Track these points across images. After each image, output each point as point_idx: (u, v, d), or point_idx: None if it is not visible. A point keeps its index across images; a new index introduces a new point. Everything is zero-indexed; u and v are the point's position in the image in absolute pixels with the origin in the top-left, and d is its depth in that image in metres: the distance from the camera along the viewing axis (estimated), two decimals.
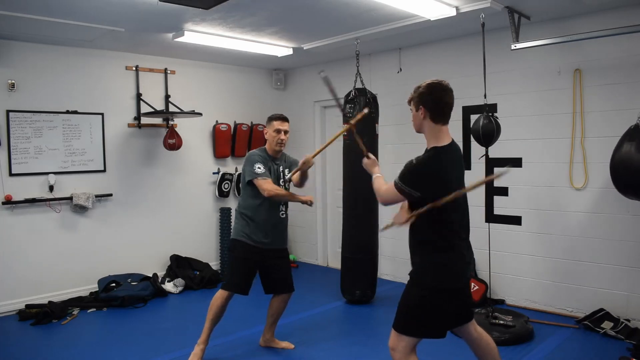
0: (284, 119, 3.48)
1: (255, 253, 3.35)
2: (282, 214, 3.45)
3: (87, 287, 4.90)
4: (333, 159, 6.02)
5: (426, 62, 5.02)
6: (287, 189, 3.46)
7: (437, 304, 2.22)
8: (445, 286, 2.23)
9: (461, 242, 2.29)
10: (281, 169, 3.48)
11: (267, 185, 3.23)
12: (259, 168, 3.27)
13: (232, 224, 3.50)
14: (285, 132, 3.44)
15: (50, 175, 4.69)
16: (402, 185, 2.18)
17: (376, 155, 4.64)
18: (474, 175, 4.56)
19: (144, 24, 4.12)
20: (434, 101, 2.17)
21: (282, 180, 3.46)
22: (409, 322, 2.26)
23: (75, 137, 4.85)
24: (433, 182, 2.16)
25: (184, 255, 5.56)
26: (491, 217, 4.51)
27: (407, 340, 2.25)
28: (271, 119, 3.50)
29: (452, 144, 2.26)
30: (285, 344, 3.62)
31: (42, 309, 4.33)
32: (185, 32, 4.28)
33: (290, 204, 3.52)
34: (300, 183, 3.48)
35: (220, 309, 3.32)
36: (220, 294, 3.33)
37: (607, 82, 3.87)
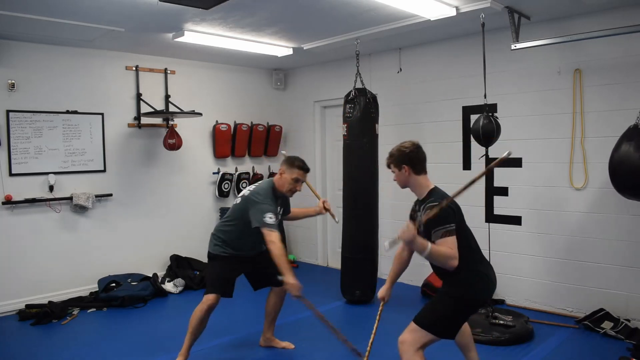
0: (306, 170, 3.34)
1: (238, 260, 3.34)
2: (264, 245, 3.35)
3: (87, 287, 4.91)
4: (333, 159, 6.02)
5: (426, 62, 5.02)
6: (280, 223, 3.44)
7: (469, 312, 2.50)
8: (485, 297, 2.57)
9: (483, 259, 2.57)
10: (278, 209, 3.38)
11: (275, 238, 3.07)
12: (270, 218, 3.11)
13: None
14: (302, 182, 3.35)
15: (50, 175, 4.69)
16: (450, 227, 2.36)
17: (376, 155, 4.63)
18: (474, 175, 4.56)
19: (144, 24, 4.12)
20: (413, 159, 2.54)
21: (276, 219, 3.31)
22: (437, 322, 2.43)
23: (75, 137, 4.85)
24: (455, 210, 2.47)
25: (184, 255, 5.56)
26: (491, 217, 4.51)
27: (424, 337, 2.40)
28: (295, 165, 3.29)
29: (437, 187, 2.58)
30: (285, 344, 3.62)
31: (42, 309, 4.34)
32: (185, 32, 4.28)
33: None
34: (297, 219, 3.72)
35: (203, 319, 3.22)
36: (202, 306, 3.21)
37: (607, 82, 3.87)
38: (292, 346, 3.62)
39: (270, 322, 3.60)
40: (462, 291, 2.45)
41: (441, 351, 3.31)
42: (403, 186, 2.63)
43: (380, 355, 3.49)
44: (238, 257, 3.35)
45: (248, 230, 3.23)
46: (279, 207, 3.37)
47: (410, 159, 2.54)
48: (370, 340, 2.85)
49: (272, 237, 3.07)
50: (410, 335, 2.42)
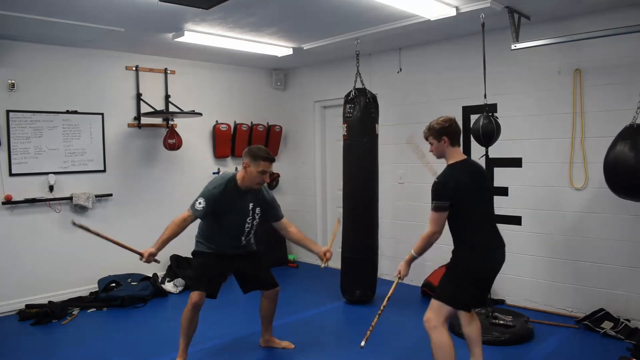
0: (272, 160, 3.19)
1: (220, 257, 3.30)
2: (243, 242, 3.35)
3: (87, 287, 4.90)
4: (333, 159, 6.02)
5: (426, 62, 5.02)
6: (254, 226, 3.32)
7: (473, 285, 2.72)
8: (481, 272, 2.75)
9: (484, 234, 2.77)
10: (251, 206, 3.25)
11: (179, 216, 3.25)
12: (199, 203, 3.16)
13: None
14: (270, 173, 3.23)
15: (50, 175, 4.69)
16: (437, 203, 2.67)
17: (376, 155, 4.63)
18: None
19: (144, 24, 4.12)
20: (452, 132, 2.81)
21: (249, 217, 3.26)
22: (452, 295, 2.71)
23: (75, 137, 4.85)
24: (453, 188, 2.67)
25: (184, 255, 5.55)
26: None
27: (444, 311, 2.68)
28: (259, 157, 3.12)
29: (467, 160, 2.86)
30: (285, 344, 3.61)
31: (42, 309, 4.34)
32: (185, 32, 4.28)
33: (259, 226, 3.38)
34: (294, 241, 3.54)
35: (192, 319, 3.22)
36: (187, 305, 3.21)
37: (607, 82, 3.87)
38: (292, 346, 3.60)
39: (267, 325, 3.57)
40: (461, 265, 2.73)
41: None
42: (439, 156, 2.86)
43: (381, 354, 3.49)
44: (220, 255, 3.31)
45: (217, 224, 3.23)
46: (251, 204, 3.25)
47: (449, 132, 2.79)
48: (373, 322, 2.88)
49: (180, 215, 3.24)
50: (433, 313, 2.70)
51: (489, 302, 4.19)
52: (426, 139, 2.87)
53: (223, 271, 3.37)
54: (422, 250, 2.77)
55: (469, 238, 2.74)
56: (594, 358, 3.36)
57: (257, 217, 3.33)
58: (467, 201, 2.69)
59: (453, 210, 2.68)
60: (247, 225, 3.29)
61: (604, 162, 3.34)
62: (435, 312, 2.70)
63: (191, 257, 5.60)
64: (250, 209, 3.27)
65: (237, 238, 3.32)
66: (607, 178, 3.32)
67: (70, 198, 4.78)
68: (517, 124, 4.32)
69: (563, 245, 4.16)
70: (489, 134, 3.79)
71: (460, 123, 4.69)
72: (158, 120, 5.36)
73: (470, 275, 2.71)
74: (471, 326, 2.90)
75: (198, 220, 3.37)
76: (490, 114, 3.84)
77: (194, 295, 3.19)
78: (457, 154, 2.82)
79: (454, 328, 3.72)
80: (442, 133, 2.79)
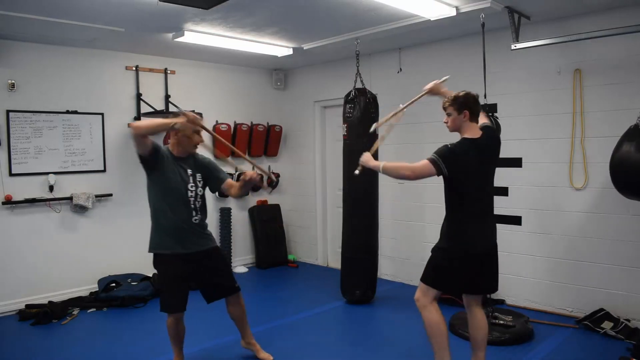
0: (199, 115, 3.14)
1: (180, 260, 3.07)
2: (195, 219, 3.16)
3: (87, 287, 4.91)
4: (333, 159, 6.02)
5: (426, 62, 5.02)
6: (198, 198, 3.18)
7: (456, 265, 2.74)
8: (459, 252, 2.75)
9: (472, 214, 2.79)
10: (190, 172, 3.16)
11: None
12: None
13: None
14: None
15: (50, 175, 4.69)
16: (436, 157, 2.69)
17: (376, 155, 4.62)
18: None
19: (144, 24, 4.12)
20: (475, 107, 2.81)
21: (191, 184, 3.15)
22: (436, 277, 2.79)
23: (75, 137, 4.85)
24: (456, 161, 2.70)
25: None
26: None
27: (431, 292, 2.79)
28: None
29: (482, 135, 2.81)
30: (265, 356, 3.38)
31: (42, 309, 4.33)
32: (185, 32, 4.29)
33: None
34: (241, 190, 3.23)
35: (175, 329, 3.10)
36: (168, 317, 3.10)
37: (607, 82, 3.87)
38: (271, 358, 3.36)
39: (243, 328, 3.39)
40: (445, 244, 2.79)
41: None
42: (453, 129, 2.84)
43: (381, 353, 3.49)
44: (179, 257, 3.07)
45: (162, 190, 3.10)
46: (189, 171, 3.15)
47: (472, 106, 2.79)
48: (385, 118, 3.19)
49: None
50: (421, 293, 2.82)
51: (489, 302, 4.19)
52: (445, 108, 2.85)
53: (185, 281, 3.11)
54: (388, 173, 2.90)
55: (461, 218, 2.78)
56: (594, 358, 3.36)
57: (199, 185, 3.16)
58: (464, 178, 2.74)
59: (449, 183, 2.75)
60: (190, 194, 3.12)
61: (610, 163, 3.36)
62: (423, 293, 2.81)
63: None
64: (189, 174, 3.13)
65: (188, 210, 3.12)
66: (614, 178, 3.36)
67: (70, 198, 4.78)
68: (517, 124, 4.32)
69: (563, 245, 4.16)
70: None
71: None
72: None
73: (452, 254, 2.74)
74: (478, 329, 2.87)
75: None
76: (490, 114, 3.84)
77: (168, 316, 3.10)
78: (474, 130, 2.81)
79: (454, 328, 3.73)
80: (465, 106, 2.77)
